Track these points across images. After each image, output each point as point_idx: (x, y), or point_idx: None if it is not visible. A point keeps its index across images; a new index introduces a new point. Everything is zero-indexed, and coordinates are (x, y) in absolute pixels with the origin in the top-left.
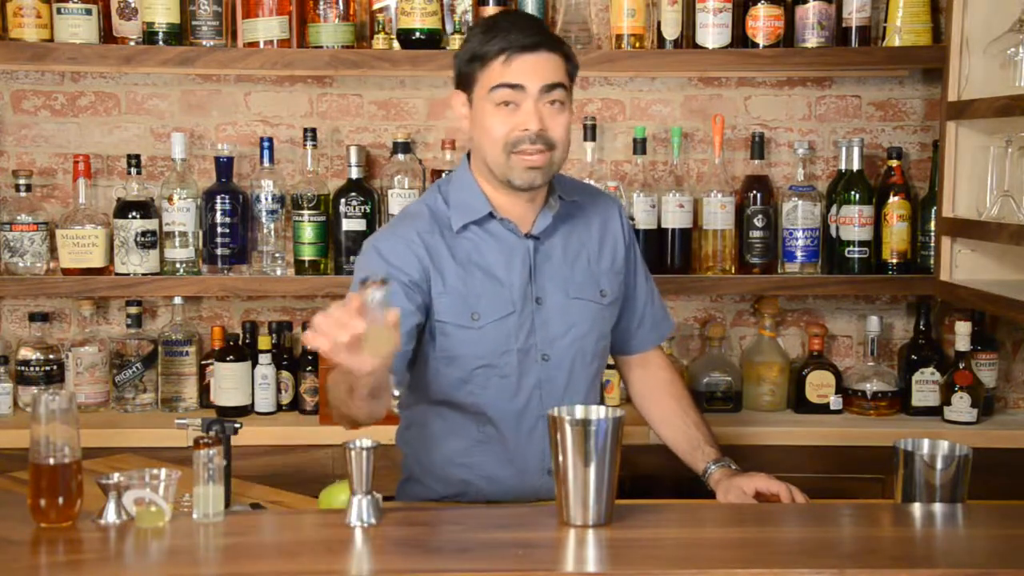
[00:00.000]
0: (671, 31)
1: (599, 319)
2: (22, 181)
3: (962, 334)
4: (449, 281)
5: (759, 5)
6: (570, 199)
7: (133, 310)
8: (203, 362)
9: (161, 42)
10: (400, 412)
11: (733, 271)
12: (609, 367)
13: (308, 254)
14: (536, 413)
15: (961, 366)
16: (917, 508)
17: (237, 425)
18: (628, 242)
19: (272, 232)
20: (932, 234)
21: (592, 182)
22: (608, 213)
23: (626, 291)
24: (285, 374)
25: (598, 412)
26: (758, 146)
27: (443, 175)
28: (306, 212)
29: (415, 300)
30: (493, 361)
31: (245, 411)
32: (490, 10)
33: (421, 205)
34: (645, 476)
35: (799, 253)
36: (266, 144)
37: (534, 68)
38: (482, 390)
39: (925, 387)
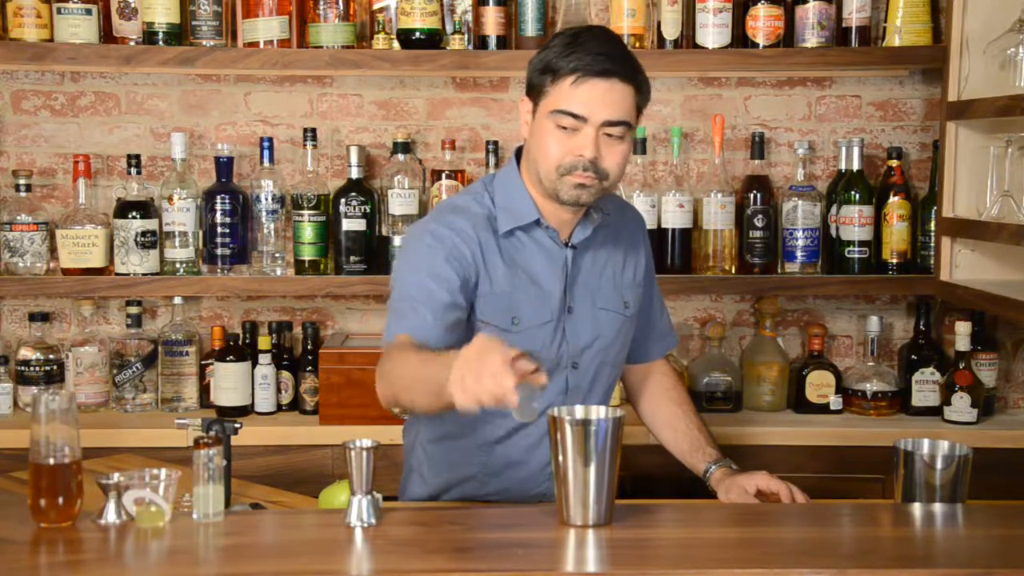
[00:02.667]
0: (671, 31)
1: (622, 330)
2: (22, 181)
3: (962, 334)
4: (496, 282)
5: (759, 5)
6: (604, 211)
7: (133, 310)
8: (203, 362)
9: (161, 42)
10: None
11: (733, 271)
12: None
13: (308, 254)
14: None
15: (961, 366)
16: (917, 508)
17: (237, 425)
18: (647, 255)
19: (272, 232)
20: (932, 234)
21: None
22: (634, 227)
23: (642, 303)
24: (285, 374)
25: (598, 412)
26: (758, 146)
27: (443, 175)
28: (306, 212)
29: (466, 293)
30: None
31: (245, 411)
32: (489, 10)
33: (470, 201)
34: (645, 476)
35: (799, 253)
36: (266, 144)
37: (603, 97)
38: None
39: (925, 387)
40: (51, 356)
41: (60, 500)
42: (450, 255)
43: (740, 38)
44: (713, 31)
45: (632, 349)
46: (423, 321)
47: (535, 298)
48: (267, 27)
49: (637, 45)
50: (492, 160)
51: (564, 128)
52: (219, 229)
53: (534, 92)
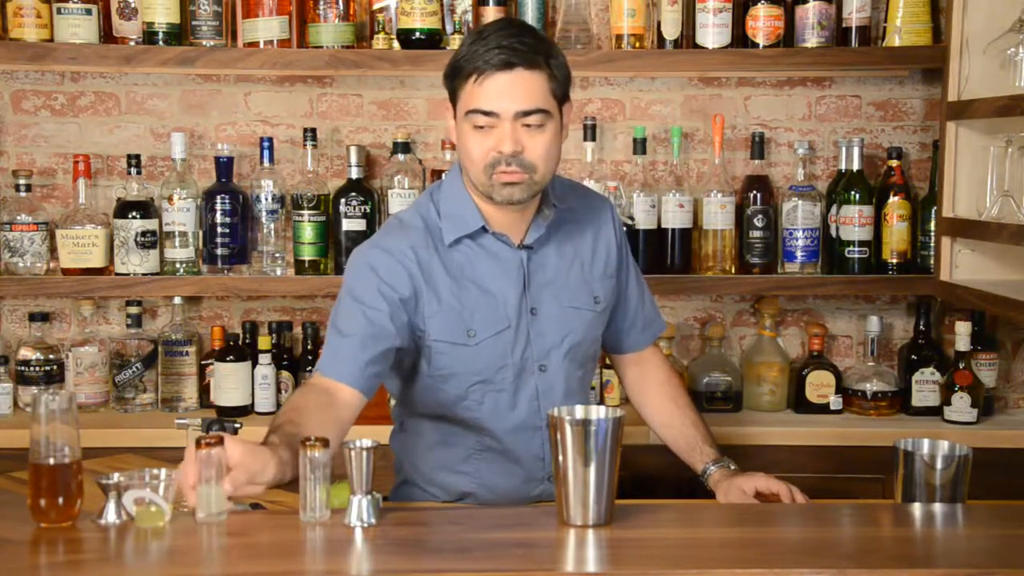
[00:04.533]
0: (671, 31)
1: (592, 326)
2: (22, 181)
3: (962, 334)
4: (443, 298)
5: (759, 5)
6: (563, 204)
7: (133, 310)
8: (203, 362)
9: (161, 42)
10: (393, 417)
11: (733, 271)
12: (609, 367)
13: (308, 254)
14: (535, 424)
15: (961, 366)
16: (917, 508)
17: (237, 425)
18: (620, 243)
19: (272, 232)
20: (932, 234)
21: (592, 182)
22: (600, 215)
23: (617, 292)
24: (285, 374)
25: (598, 412)
26: (758, 146)
27: (443, 175)
28: (306, 212)
29: (398, 321)
30: (489, 376)
31: (245, 411)
32: (489, 10)
33: (415, 214)
34: (645, 476)
35: (799, 253)
36: (266, 144)
37: (510, 90)
38: (479, 405)
39: (925, 387)
40: (51, 356)
41: (60, 500)
42: (383, 283)
43: (740, 38)
44: (713, 31)
45: (615, 340)
46: (341, 360)
47: (487, 307)
48: (267, 27)
49: (637, 45)
50: None
51: (481, 128)
52: (219, 229)
53: (451, 98)
